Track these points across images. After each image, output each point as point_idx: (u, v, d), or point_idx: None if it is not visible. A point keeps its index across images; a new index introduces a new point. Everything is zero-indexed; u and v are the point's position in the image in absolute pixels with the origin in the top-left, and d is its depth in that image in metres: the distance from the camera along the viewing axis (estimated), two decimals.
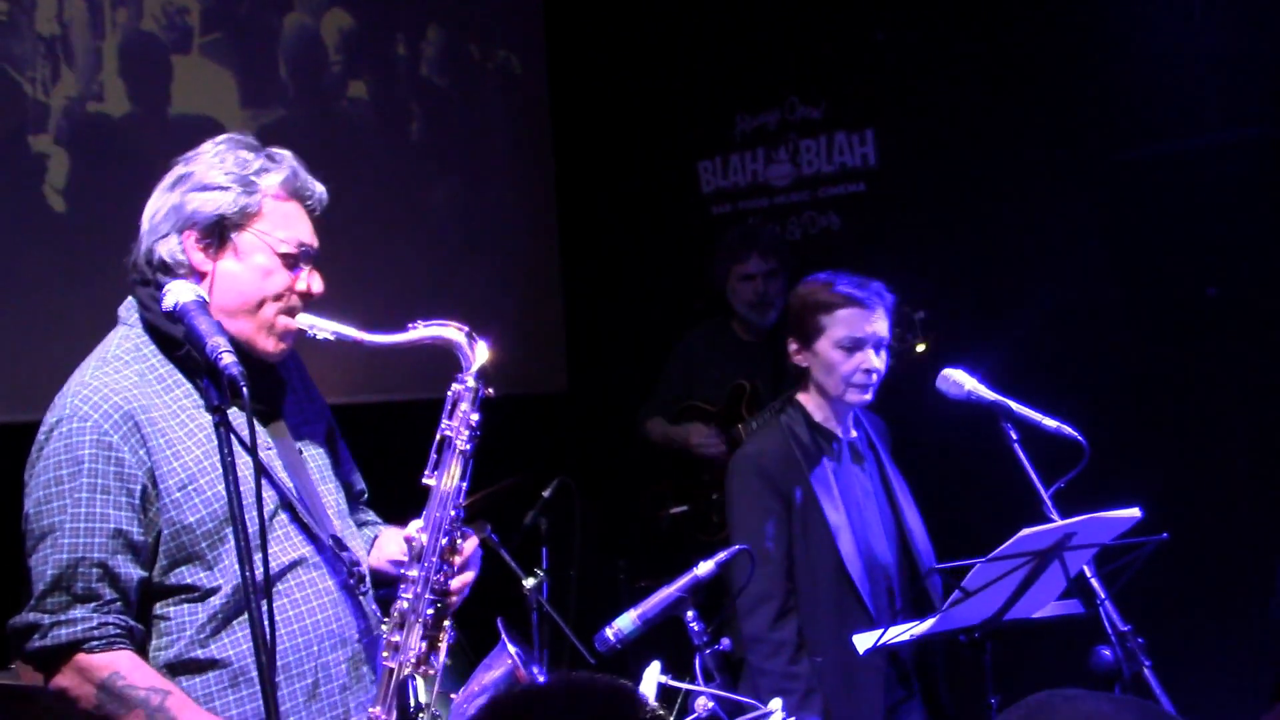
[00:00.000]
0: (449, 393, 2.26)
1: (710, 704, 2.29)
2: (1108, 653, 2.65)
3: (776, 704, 2.29)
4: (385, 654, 2.19)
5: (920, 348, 3.80)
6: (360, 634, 2.24)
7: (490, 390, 2.27)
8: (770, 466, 3.02)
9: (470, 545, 2.27)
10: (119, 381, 2.12)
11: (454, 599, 2.23)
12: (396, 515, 2.55)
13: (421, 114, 5.34)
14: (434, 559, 2.20)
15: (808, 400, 3.11)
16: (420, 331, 2.25)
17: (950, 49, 4.72)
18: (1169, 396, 4.22)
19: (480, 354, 2.26)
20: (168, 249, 2.16)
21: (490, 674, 2.27)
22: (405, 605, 2.19)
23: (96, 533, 2.05)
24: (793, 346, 3.10)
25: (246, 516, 1.90)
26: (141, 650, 2.11)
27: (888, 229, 4.90)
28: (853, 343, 3.01)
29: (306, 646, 2.16)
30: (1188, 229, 4.21)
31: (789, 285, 4.55)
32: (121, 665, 2.06)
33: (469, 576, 2.26)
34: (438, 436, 2.25)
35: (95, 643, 2.05)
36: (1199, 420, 4.18)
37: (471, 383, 2.25)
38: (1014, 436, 2.90)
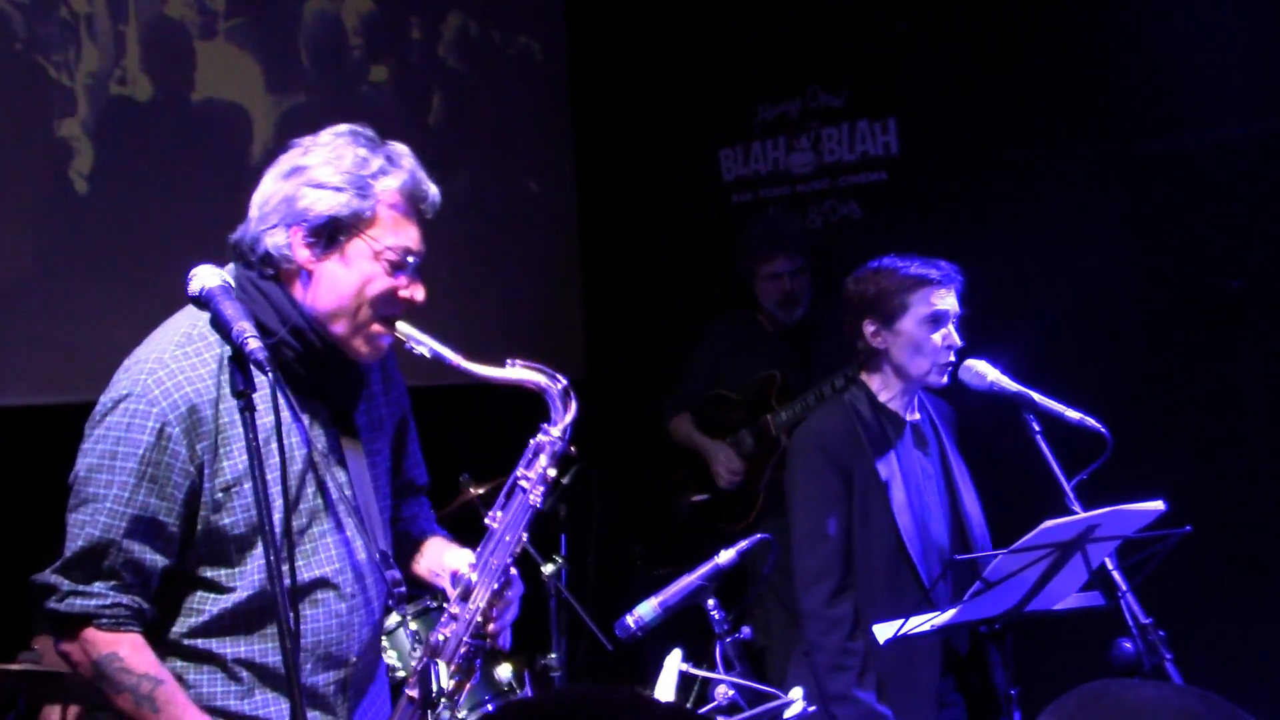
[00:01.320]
0: (531, 441, 2.24)
1: (731, 692, 2.30)
2: (1129, 645, 2.64)
3: (797, 693, 2.29)
4: (408, 678, 2.20)
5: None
6: (358, 655, 2.23)
7: (573, 449, 2.26)
8: (833, 444, 3.01)
9: (514, 593, 2.26)
10: (195, 367, 2.10)
11: (488, 642, 2.22)
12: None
13: (442, 100, 5.34)
14: (481, 604, 2.19)
15: (872, 381, 3.09)
16: (518, 372, 2.22)
17: (973, 38, 4.70)
18: (1193, 389, 4.20)
19: (571, 410, 2.24)
20: (274, 242, 2.11)
21: None
22: (442, 640, 2.19)
23: (132, 519, 2.06)
24: (870, 328, 3.04)
25: (279, 517, 1.90)
26: (150, 631, 2.12)
27: (909, 218, 4.89)
28: (937, 317, 3.01)
29: (300, 665, 2.11)
30: (1212, 221, 4.18)
31: (815, 279, 4.55)
32: (122, 648, 2.08)
33: (509, 617, 2.25)
34: (510, 482, 2.23)
35: (105, 620, 2.08)
36: (1223, 413, 4.16)
37: (557, 434, 2.24)
38: (1037, 428, 2.89)
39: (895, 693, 2.92)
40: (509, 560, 2.21)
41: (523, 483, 2.23)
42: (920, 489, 3.03)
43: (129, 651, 2.08)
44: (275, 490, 2.02)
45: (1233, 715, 1.63)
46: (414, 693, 2.18)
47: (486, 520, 2.24)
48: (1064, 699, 1.48)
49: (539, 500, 2.22)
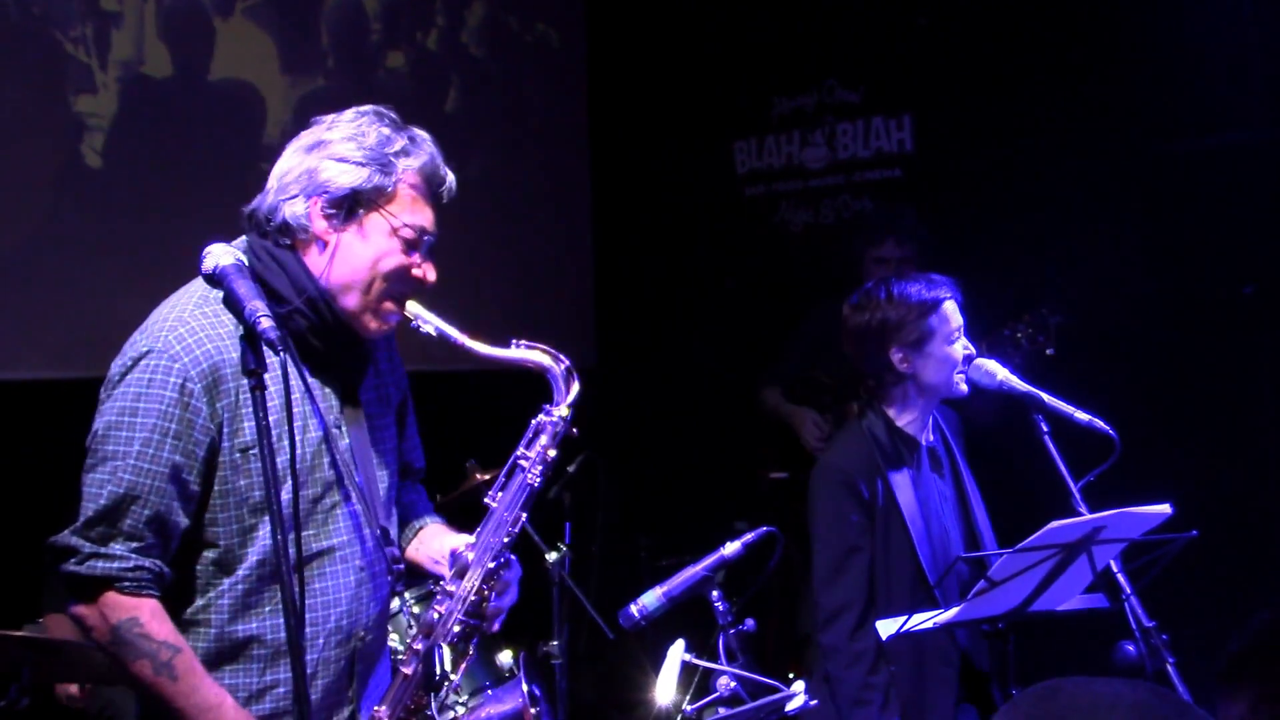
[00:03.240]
0: (533, 421, 2.25)
1: (732, 684, 2.30)
2: (1131, 648, 2.64)
3: (799, 686, 2.29)
4: (403, 657, 2.20)
5: (1049, 351, 3.77)
6: (366, 631, 2.23)
7: (575, 430, 2.25)
8: (854, 475, 3.01)
9: (512, 576, 2.26)
10: (215, 327, 2.10)
11: (485, 624, 2.22)
12: (431, 489, 2.55)
13: (459, 86, 5.34)
14: (476, 582, 2.20)
15: (890, 406, 3.09)
16: (521, 352, 2.25)
17: (991, 37, 4.68)
18: (1203, 393, 4.19)
19: (574, 390, 2.25)
20: (293, 211, 2.13)
21: (499, 707, 2.27)
22: (436, 618, 2.20)
23: (156, 475, 2.06)
24: (897, 355, 3.02)
25: (287, 489, 1.89)
26: (167, 597, 2.12)
27: (922, 216, 4.87)
28: (958, 333, 3.03)
29: (312, 639, 2.15)
30: (1227, 225, 4.17)
31: (830, 277, 4.53)
32: (143, 613, 2.06)
33: (506, 603, 2.26)
34: (510, 462, 2.24)
35: (127, 583, 2.06)
36: (1232, 418, 4.15)
37: (558, 415, 2.24)
38: (1045, 428, 2.88)
39: (914, 718, 2.92)
40: (505, 540, 2.22)
41: (522, 462, 2.24)
42: (938, 513, 3.03)
43: (149, 617, 2.06)
44: (287, 462, 2.04)
45: (1184, 708, 1.64)
46: (409, 670, 2.18)
47: (486, 500, 2.25)
48: (1017, 699, 1.48)
49: (537, 480, 2.23)
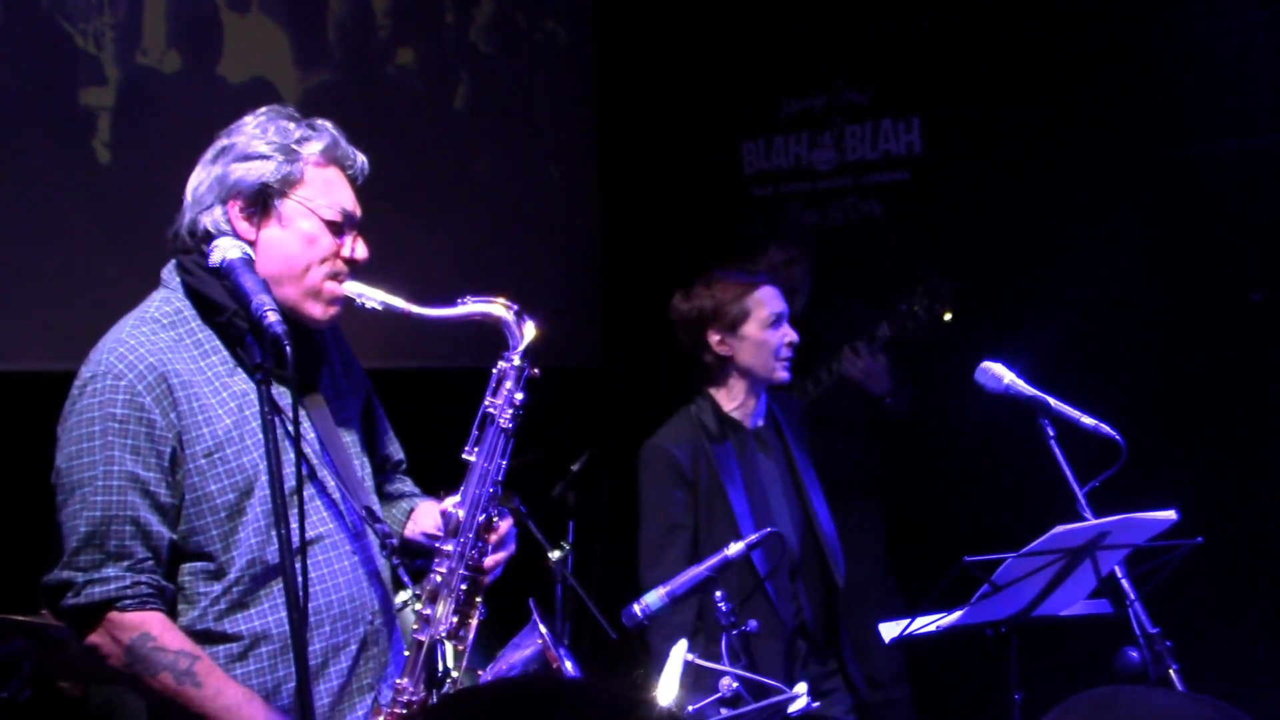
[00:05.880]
0: (494, 370, 2.27)
1: (734, 684, 2.30)
2: (1135, 654, 2.63)
3: (802, 688, 2.29)
4: (415, 626, 2.20)
5: (947, 316, 3.84)
6: (373, 614, 2.24)
7: (536, 370, 2.27)
8: (678, 455, 3.18)
9: (506, 525, 2.27)
10: (155, 342, 2.12)
11: (488, 576, 2.23)
12: (428, 484, 2.56)
13: (467, 83, 5.34)
14: (470, 535, 2.20)
15: (718, 393, 3.27)
16: (469, 307, 2.27)
17: (999, 39, 4.67)
18: (1209, 400, 4.18)
19: (528, 333, 2.27)
20: (212, 220, 2.17)
21: (519, 653, 2.28)
22: (439, 579, 2.20)
23: (129, 490, 2.06)
24: (715, 338, 3.22)
25: (264, 485, 1.90)
26: (172, 611, 2.12)
27: (930, 218, 4.87)
28: (776, 318, 3.21)
29: (317, 626, 2.16)
30: (1234, 231, 4.16)
31: (814, 269, 4.55)
32: (152, 626, 2.07)
33: (503, 555, 2.27)
34: (480, 413, 2.25)
35: (128, 601, 2.06)
36: (1239, 425, 4.14)
37: (518, 361, 2.26)
38: (1051, 433, 2.88)
39: None
40: (492, 491, 2.23)
41: (491, 410, 2.25)
42: (765, 493, 3.19)
43: (160, 629, 2.07)
44: (258, 456, 2.06)
45: None
46: (423, 637, 2.18)
47: (464, 456, 2.25)
48: (1070, 704, 1.45)
49: (510, 425, 2.25)
